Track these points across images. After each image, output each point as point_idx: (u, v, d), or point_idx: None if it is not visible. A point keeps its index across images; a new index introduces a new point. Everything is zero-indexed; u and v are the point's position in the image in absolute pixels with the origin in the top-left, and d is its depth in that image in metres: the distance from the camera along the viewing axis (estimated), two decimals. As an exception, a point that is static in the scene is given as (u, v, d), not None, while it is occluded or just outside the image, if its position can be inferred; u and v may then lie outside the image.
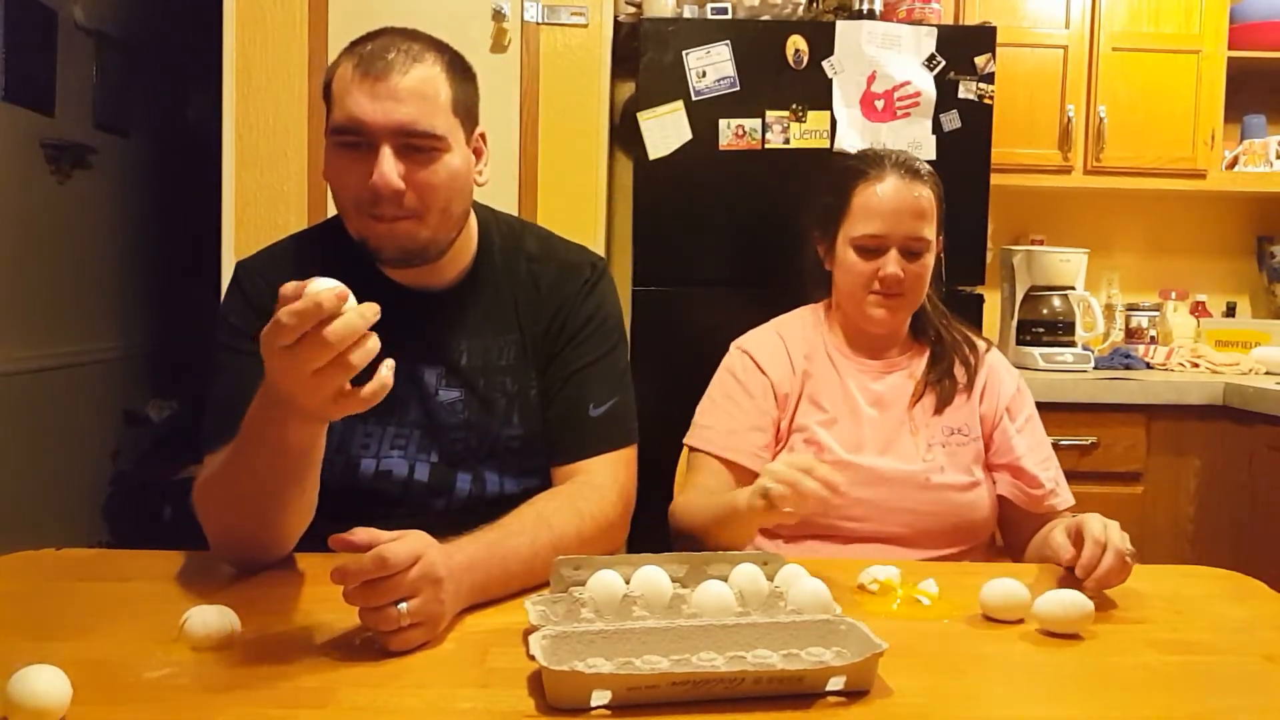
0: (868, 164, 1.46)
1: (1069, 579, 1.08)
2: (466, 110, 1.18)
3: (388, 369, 0.88)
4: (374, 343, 0.86)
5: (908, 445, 1.43)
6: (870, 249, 1.43)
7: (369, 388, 0.87)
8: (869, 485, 1.40)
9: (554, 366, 1.26)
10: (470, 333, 1.25)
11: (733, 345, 1.55)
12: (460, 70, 1.17)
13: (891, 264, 1.41)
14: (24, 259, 3.03)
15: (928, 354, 1.51)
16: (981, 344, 1.54)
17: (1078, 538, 1.09)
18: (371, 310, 0.85)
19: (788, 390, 1.47)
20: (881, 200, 1.42)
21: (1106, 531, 1.08)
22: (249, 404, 0.98)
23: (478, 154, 1.22)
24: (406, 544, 0.87)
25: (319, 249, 1.27)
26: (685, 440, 1.51)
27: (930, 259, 1.45)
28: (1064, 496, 1.44)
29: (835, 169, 1.53)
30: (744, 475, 1.44)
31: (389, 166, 1.09)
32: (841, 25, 2.32)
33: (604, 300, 1.30)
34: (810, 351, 1.50)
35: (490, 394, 1.24)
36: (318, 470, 1.02)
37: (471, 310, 1.26)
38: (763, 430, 1.45)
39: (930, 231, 1.43)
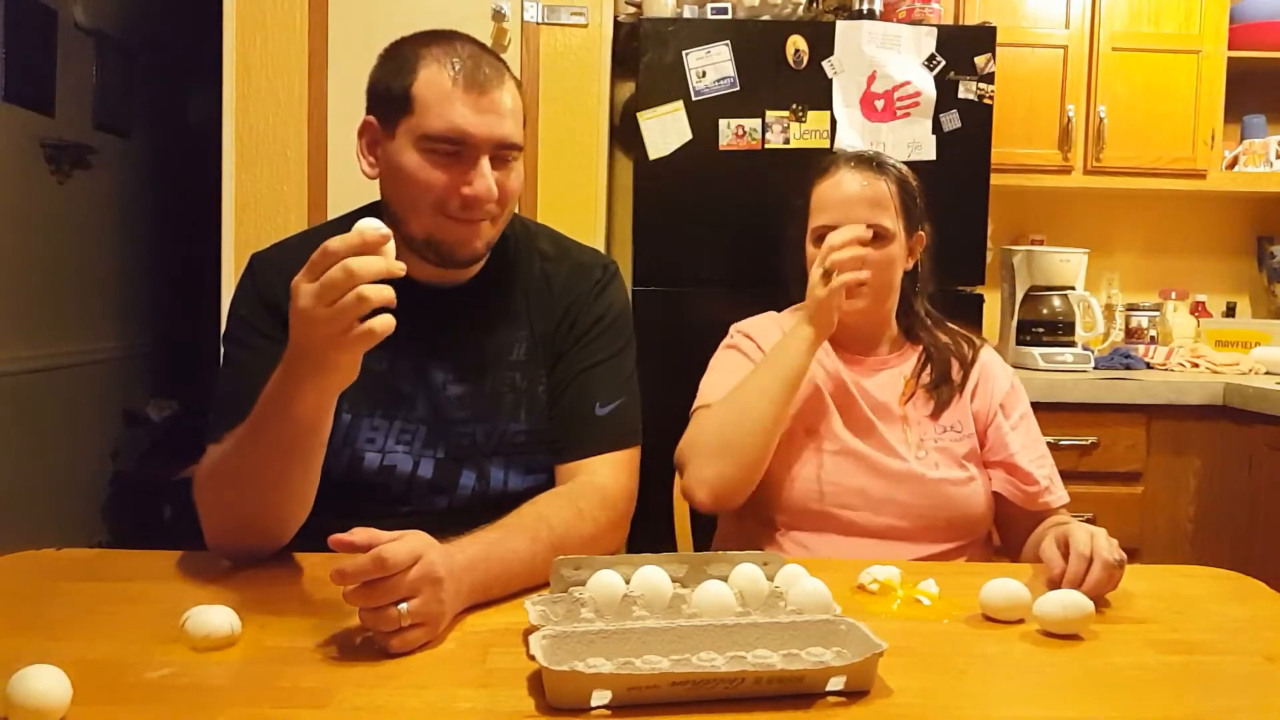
0: (826, 162, 1.52)
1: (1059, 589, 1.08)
2: (525, 118, 1.23)
3: (387, 319, 0.91)
4: (390, 292, 0.90)
5: (901, 441, 1.44)
6: (825, 238, 1.44)
7: (378, 320, 0.90)
8: (866, 476, 1.40)
9: (562, 364, 1.27)
10: (481, 329, 1.26)
11: (731, 328, 1.58)
12: (516, 80, 1.22)
13: None
14: (24, 259, 3.03)
15: (920, 352, 1.51)
16: (976, 342, 1.55)
17: (1067, 550, 1.09)
18: (399, 267, 0.91)
19: None
20: (834, 191, 1.46)
21: (1092, 542, 1.07)
22: (253, 396, 1.01)
23: None
24: (406, 544, 0.87)
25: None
26: (691, 412, 1.50)
27: (893, 249, 1.45)
28: (1059, 494, 1.44)
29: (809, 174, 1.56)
30: None
31: (491, 180, 1.15)
32: (841, 25, 2.32)
33: (614, 301, 1.32)
34: None
35: (498, 390, 1.25)
36: (321, 455, 1.03)
37: (483, 307, 1.27)
38: None
39: (888, 220, 1.44)
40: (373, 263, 0.89)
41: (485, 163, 1.14)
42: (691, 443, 1.42)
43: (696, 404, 1.50)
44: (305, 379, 0.95)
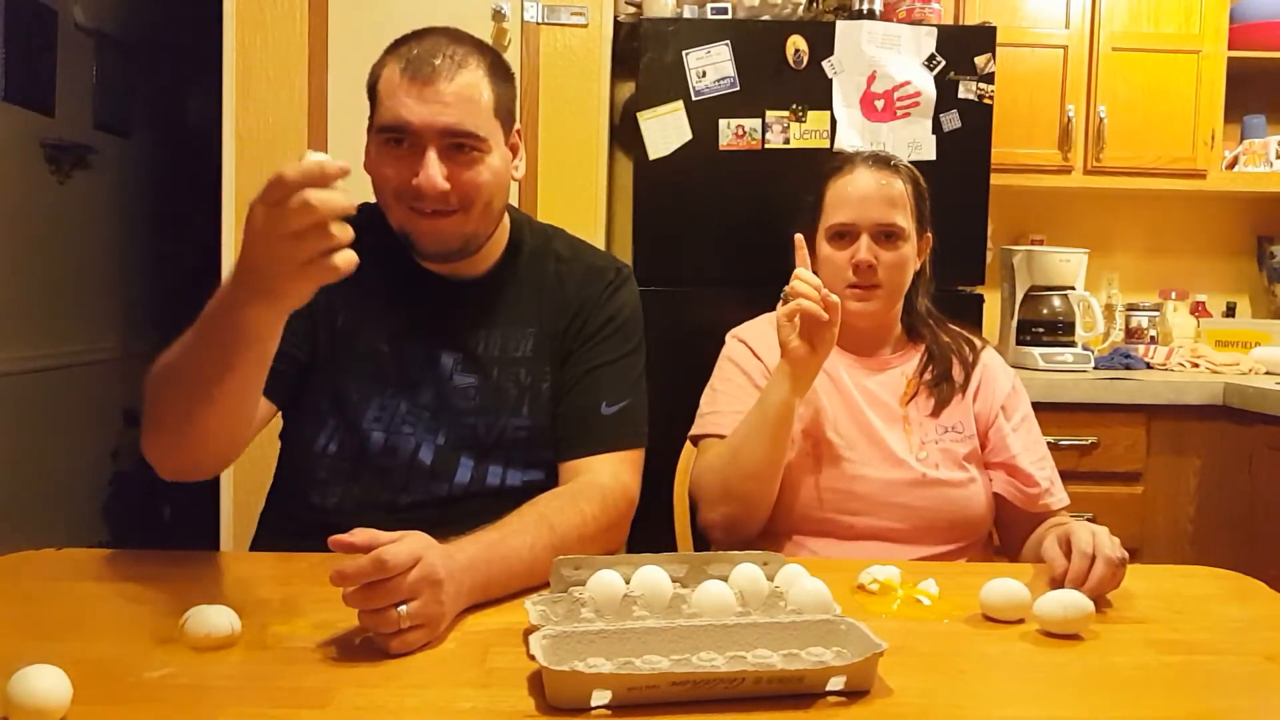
0: (840, 160, 1.52)
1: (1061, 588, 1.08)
2: (507, 110, 1.22)
3: (350, 255, 0.86)
4: (349, 232, 0.85)
5: (901, 442, 1.44)
6: (843, 235, 1.46)
7: (341, 256, 0.85)
8: (865, 480, 1.40)
9: (570, 363, 1.28)
10: (491, 323, 1.28)
11: (728, 335, 1.58)
12: (501, 72, 1.21)
13: (863, 249, 1.44)
14: (24, 259, 3.03)
15: (922, 352, 1.52)
16: (978, 343, 1.55)
17: (1068, 549, 1.09)
18: (353, 205, 0.85)
19: None
20: (851, 189, 1.46)
21: (1094, 540, 1.07)
22: None
23: (514, 149, 1.26)
24: (406, 546, 0.87)
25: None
26: (691, 432, 1.52)
27: (908, 249, 1.46)
28: (1059, 496, 1.44)
29: (815, 172, 1.56)
30: None
31: (435, 170, 1.13)
32: (841, 25, 2.32)
33: (625, 303, 1.33)
34: None
35: (503, 384, 1.26)
36: (264, 371, 1.00)
37: (495, 302, 1.28)
38: None
39: (904, 220, 1.45)
40: (335, 199, 0.83)
41: (431, 154, 1.13)
42: (697, 483, 1.44)
43: (696, 425, 1.52)
44: (255, 298, 0.90)
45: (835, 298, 1.27)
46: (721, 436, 1.45)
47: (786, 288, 1.28)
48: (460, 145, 1.15)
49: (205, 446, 1.06)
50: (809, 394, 1.46)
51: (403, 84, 1.14)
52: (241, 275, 0.90)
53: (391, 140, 1.15)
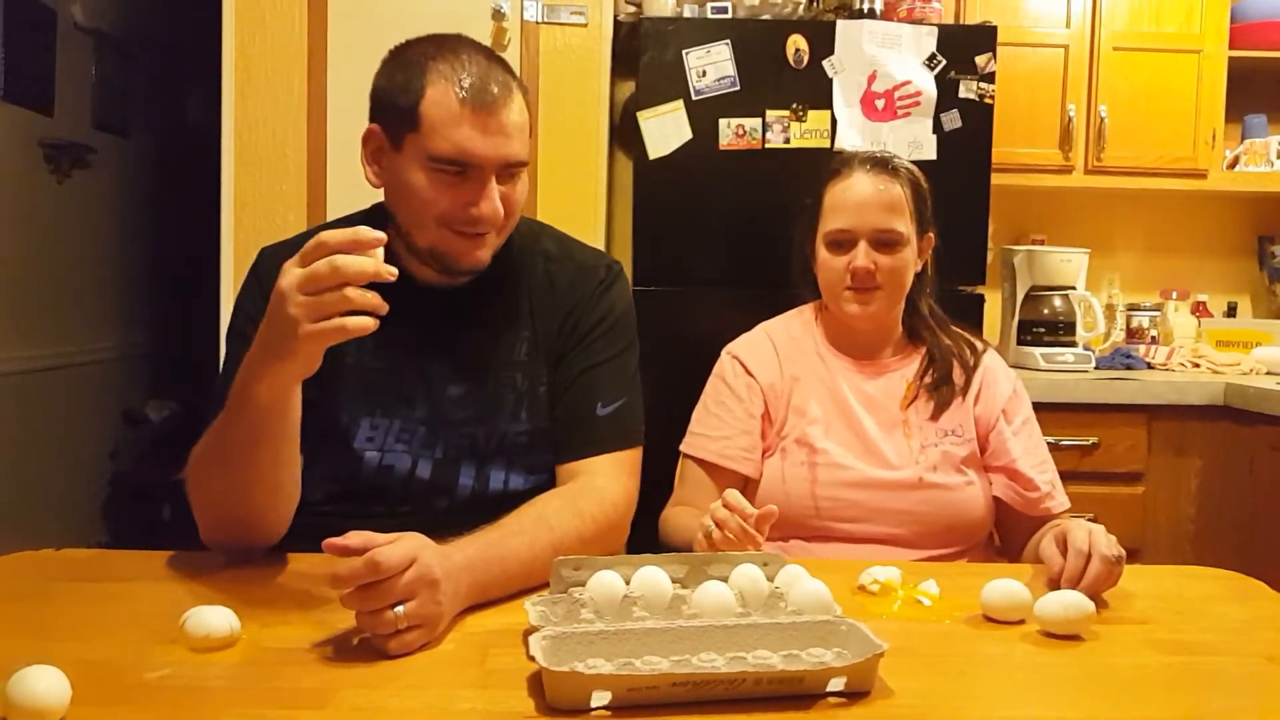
0: (839, 163, 1.50)
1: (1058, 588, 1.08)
2: (531, 125, 1.22)
3: (363, 320, 0.91)
4: (375, 297, 0.90)
5: (901, 446, 1.43)
6: (840, 243, 1.45)
7: (352, 319, 0.90)
8: (861, 487, 1.40)
9: (564, 364, 1.27)
10: (482, 329, 1.26)
11: (723, 351, 1.57)
12: (523, 87, 1.20)
13: (861, 256, 1.43)
14: (23, 259, 3.03)
15: (923, 355, 1.51)
16: (979, 345, 1.54)
17: (1065, 548, 1.09)
18: (388, 271, 0.91)
19: (777, 390, 1.48)
20: (848, 195, 1.45)
21: (1090, 539, 1.07)
22: None
23: None
24: (400, 547, 0.87)
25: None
26: (680, 446, 1.52)
27: (907, 253, 1.45)
28: (1060, 499, 1.43)
29: (815, 172, 1.55)
30: (733, 479, 1.45)
31: (499, 200, 1.14)
32: (842, 24, 2.31)
33: (617, 301, 1.31)
34: (801, 352, 1.51)
35: (499, 390, 1.25)
36: (289, 444, 1.04)
37: (484, 307, 1.27)
38: (749, 433, 1.47)
39: (903, 225, 1.44)
40: (361, 264, 0.89)
41: (492, 183, 1.14)
42: (662, 520, 1.47)
43: (684, 441, 1.52)
44: (267, 361, 0.95)
45: (758, 536, 1.08)
46: (703, 461, 1.47)
47: (714, 520, 1.09)
48: (512, 173, 1.16)
49: (265, 521, 1.10)
50: (802, 403, 1.46)
51: (465, 114, 1.11)
52: (257, 343, 0.96)
53: (447, 171, 1.13)
